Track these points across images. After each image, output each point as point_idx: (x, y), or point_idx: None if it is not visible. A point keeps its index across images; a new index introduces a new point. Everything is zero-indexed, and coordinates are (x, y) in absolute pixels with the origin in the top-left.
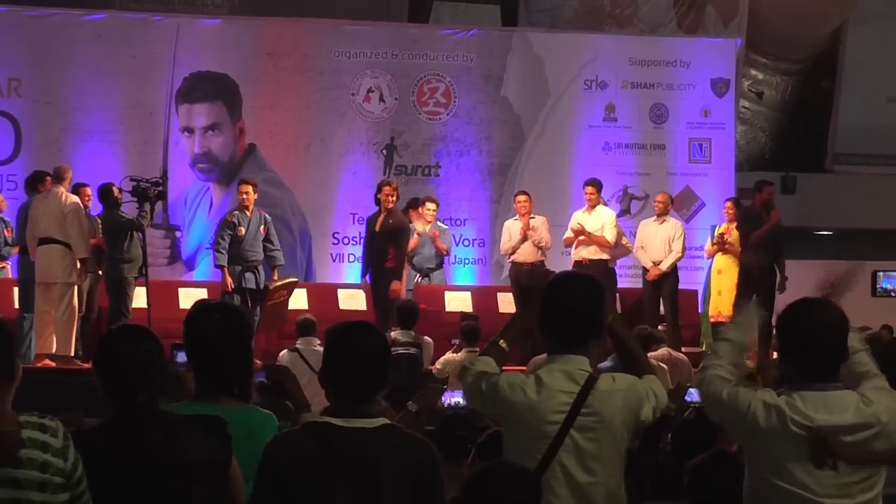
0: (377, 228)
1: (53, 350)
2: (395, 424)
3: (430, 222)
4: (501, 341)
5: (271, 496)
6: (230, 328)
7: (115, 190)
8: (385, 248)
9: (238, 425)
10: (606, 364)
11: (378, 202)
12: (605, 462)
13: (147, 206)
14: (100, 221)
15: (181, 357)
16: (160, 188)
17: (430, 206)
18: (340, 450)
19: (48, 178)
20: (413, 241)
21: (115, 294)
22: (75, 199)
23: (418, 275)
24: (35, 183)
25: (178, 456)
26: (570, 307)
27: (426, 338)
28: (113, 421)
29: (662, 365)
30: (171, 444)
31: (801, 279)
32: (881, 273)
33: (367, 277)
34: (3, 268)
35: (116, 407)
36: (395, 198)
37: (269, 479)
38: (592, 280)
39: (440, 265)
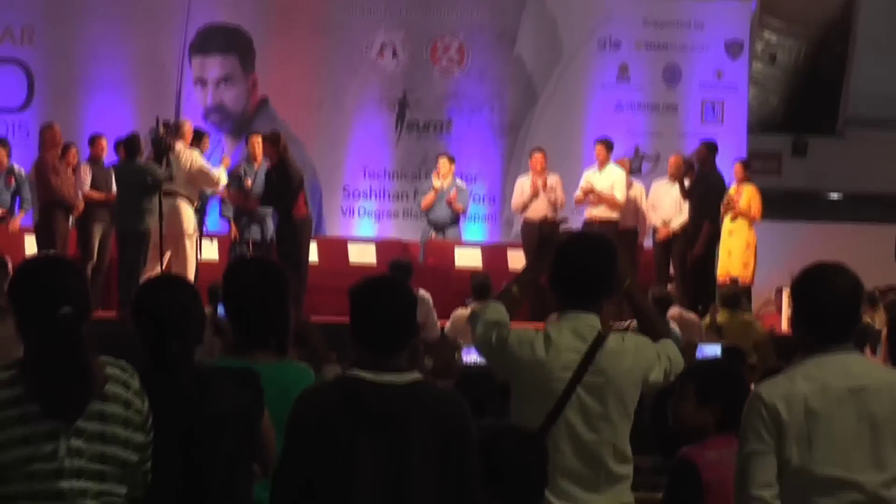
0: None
1: None
2: (427, 380)
3: (444, 176)
4: (514, 287)
5: (300, 452)
6: (267, 282)
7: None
8: (285, 197)
9: (273, 380)
10: None
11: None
12: (611, 422)
13: (169, 156)
14: (114, 173)
15: (220, 310)
16: (172, 137)
17: (443, 161)
18: (367, 404)
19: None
20: (429, 196)
21: (136, 246)
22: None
23: (432, 230)
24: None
25: (208, 407)
26: (581, 265)
27: (421, 291)
28: (145, 371)
29: (674, 325)
30: (203, 395)
31: (810, 243)
32: None
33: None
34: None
35: (150, 356)
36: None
37: (296, 434)
38: (605, 239)
39: (455, 221)
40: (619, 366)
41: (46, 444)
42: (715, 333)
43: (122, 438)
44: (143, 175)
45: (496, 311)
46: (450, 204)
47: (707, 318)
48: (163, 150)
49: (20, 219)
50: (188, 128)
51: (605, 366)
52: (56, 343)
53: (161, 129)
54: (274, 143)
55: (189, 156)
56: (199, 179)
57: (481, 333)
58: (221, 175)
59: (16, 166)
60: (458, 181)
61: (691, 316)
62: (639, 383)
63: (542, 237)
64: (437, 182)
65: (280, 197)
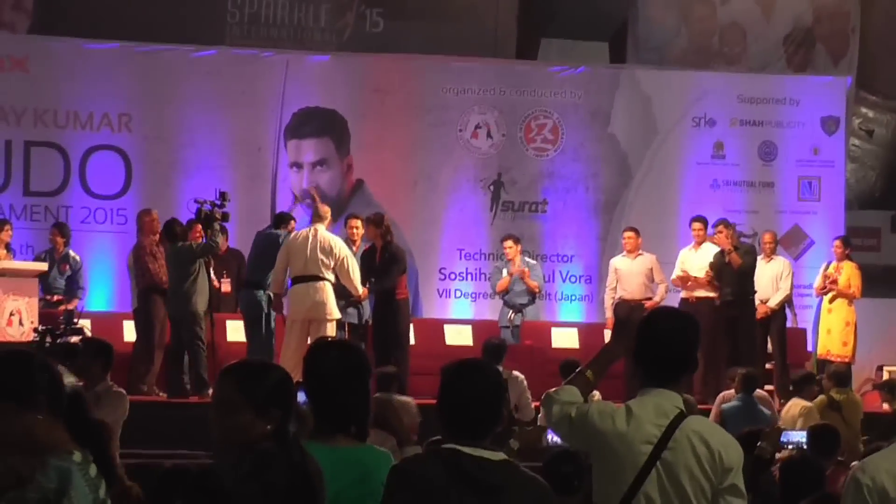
0: (377, 261)
1: None
2: (514, 461)
3: (511, 259)
4: (588, 371)
5: None
6: (348, 366)
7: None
8: (388, 278)
9: (354, 465)
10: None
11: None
12: (688, 501)
13: (216, 226)
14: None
15: (301, 396)
16: (223, 208)
17: (509, 243)
18: (470, 473)
19: (292, 219)
20: (504, 279)
21: (188, 329)
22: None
23: (511, 311)
24: (279, 223)
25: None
26: (663, 341)
27: (514, 373)
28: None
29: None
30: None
31: None
32: None
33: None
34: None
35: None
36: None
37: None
38: (689, 317)
39: (533, 301)
40: (697, 448)
41: None
42: (835, 412)
43: None
44: (183, 256)
45: (570, 392)
46: (523, 278)
47: (821, 398)
48: (202, 220)
49: (75, 304)
50: (327, 212)
51: (684, 444)
52: None
53: (208, 201)
54: (377, 224)
55: (344, 252)
56: (343, 278)
57: (558, 412)
58: (358, 285)
59: (71, 252)
60: (528, 259)
61: (763, 395)
62: (711, 476)
63: (618, 320)
64: (510, 266)
65: (382, 278)
